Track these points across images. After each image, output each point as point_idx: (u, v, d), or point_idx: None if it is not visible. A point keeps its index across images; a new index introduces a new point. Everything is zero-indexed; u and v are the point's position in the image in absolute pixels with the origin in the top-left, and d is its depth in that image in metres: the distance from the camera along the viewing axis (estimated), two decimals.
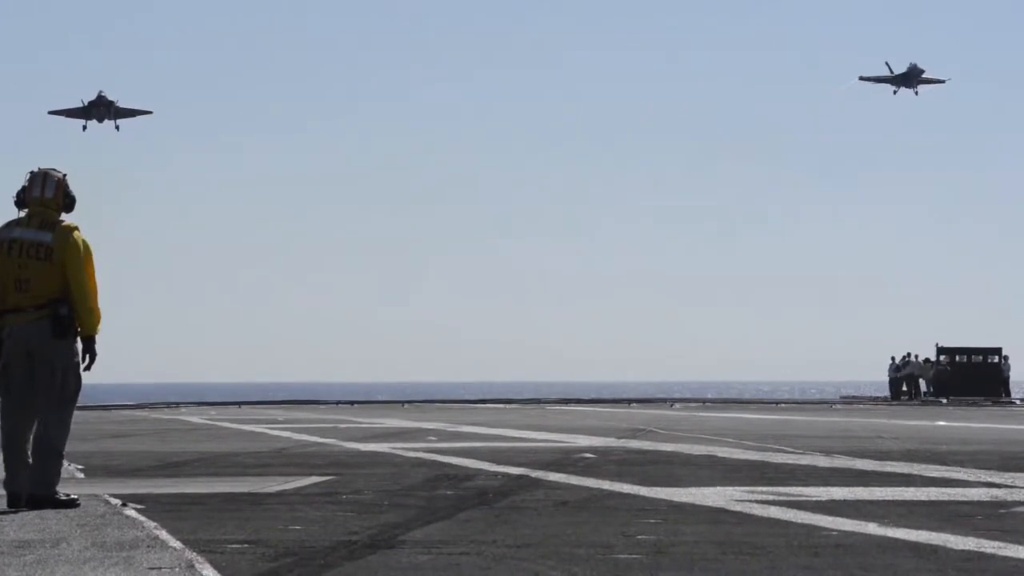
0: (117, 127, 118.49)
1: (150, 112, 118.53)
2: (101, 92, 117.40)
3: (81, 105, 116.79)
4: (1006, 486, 15.05)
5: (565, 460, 19.79)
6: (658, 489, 14.46)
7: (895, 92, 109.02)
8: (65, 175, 12.84)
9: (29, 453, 12.45)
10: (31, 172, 12.78)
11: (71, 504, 12.27)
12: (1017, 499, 13.52)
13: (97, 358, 12.58)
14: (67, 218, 12.76)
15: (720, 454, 21.20)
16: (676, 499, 13.35)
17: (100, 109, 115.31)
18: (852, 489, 14.57)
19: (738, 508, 12.46)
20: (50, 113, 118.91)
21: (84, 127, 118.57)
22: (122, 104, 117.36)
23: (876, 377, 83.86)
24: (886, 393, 78.24)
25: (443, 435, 29.31)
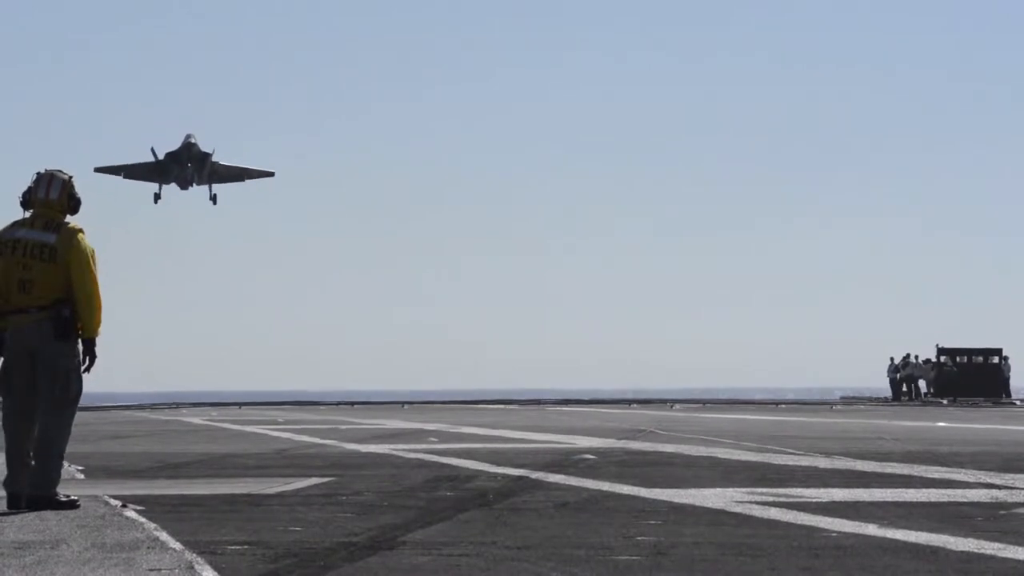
0: (214, 198, 74.79)
1: (271, 174, 76.70)
2: (190, 137, 73.07)
3: (153, 159, 73.02)
4: (1006, 487, 15.05)
5: (565, 461, 19.79)
6: (658, 490, 14.46)
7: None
8: (71, 177, 12.84)
9: (30, 454, 12.45)
10: (37, 173, 12.78)
11: (71, 505, 12.27)
12: (1017, 500, 13.51)
13: (97, 361, 12.59)
14: (72, 220, 12.76)
15: (720, 455, 21.20)
16: (676, 500, 13.35)
17: (186, 167, 72.45)
18: (852, 490, 14.57)
19: (738, 509, 12.46)
20: (98, 171, 74.42)
21: (156, 197, 74.35)
22: (223, 159, 73.68)
23: (876, 383, 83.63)
24: (886, 395, 78.29)
25: (443, 436, 29.33)
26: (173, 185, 73.93)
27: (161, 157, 72.34)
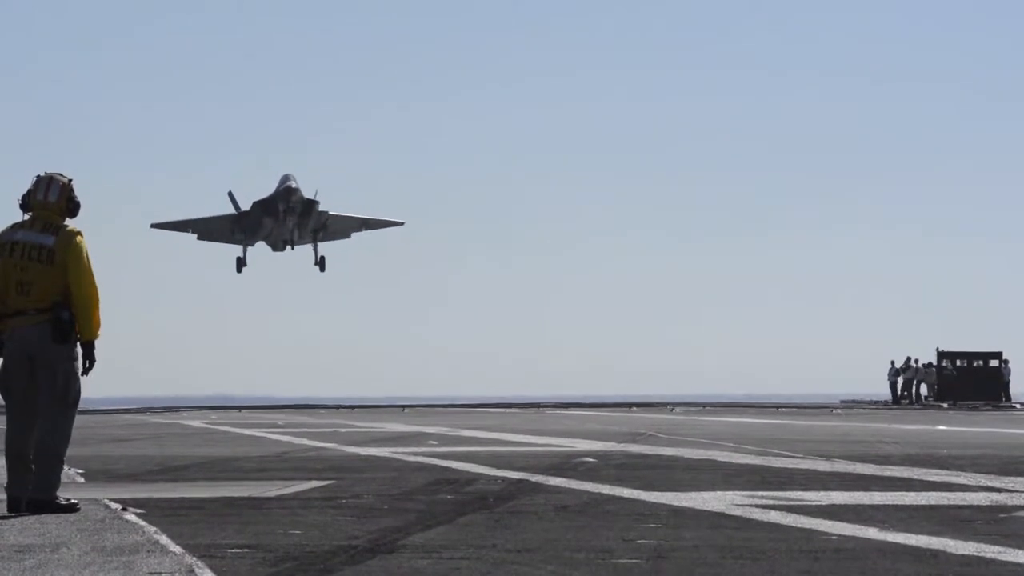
0: (321, 261, 55.39)
1: (401, 223, 58.87)
2: (289, 180, 52.58)
3: (233, 211, 54.03)
4: (1006, 490, 15.05)
5: (565, 464, 19.79)
6: (658, 493, 14.46)
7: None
8: (71, 180, 12.85)
9: (30, 457, 12.45)
10: (37, 176, 12.79)
11: (71, 509, 12.27)
12: (1017, 504, 13.51)
13: (96, 364, 12.59)
14: (70, 223, 12.76)
15: (720, 458, 21.20)
16: (676, 503, 13.35)
17: (284, 221, 52.49)
18: (852, 493, 14.57)
19: (738, 513, 12.46)
20: (156, 228, 57.18)
21: (240, 263, 55.72)
22: (331, 208, 53.46)
23: (877, 389, 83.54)
24: (886, 399, 78.32)
25: (443, 439, 29.34)
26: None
27: (246, 207, 54.04)
